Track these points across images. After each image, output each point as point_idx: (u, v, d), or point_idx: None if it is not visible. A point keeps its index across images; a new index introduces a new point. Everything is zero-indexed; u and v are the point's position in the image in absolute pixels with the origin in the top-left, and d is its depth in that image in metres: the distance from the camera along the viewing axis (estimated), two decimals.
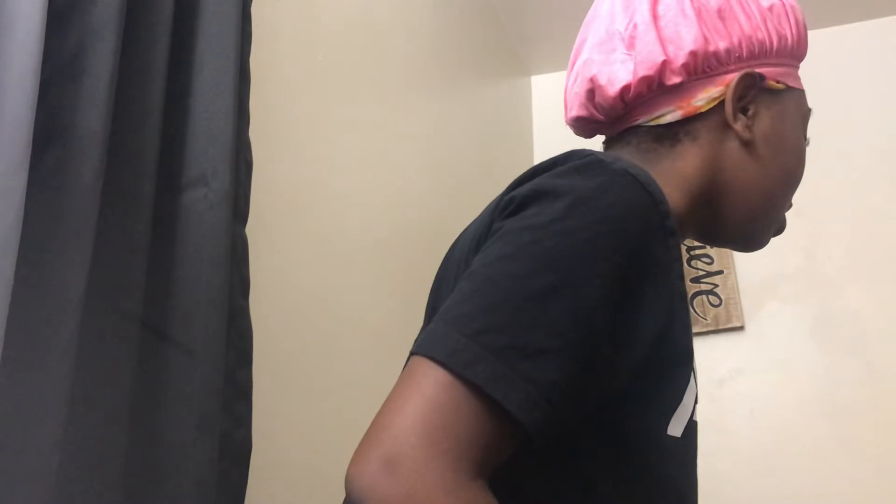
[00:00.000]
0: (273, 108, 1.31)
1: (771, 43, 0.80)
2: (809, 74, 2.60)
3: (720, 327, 2.30)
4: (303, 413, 1.30)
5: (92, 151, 0.81)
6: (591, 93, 0.83)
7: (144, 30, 0.93)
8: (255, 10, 1.15)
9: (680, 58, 0.78)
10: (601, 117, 0.85)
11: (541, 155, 2.53)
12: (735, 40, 0.78)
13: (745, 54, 0.79)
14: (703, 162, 0.79)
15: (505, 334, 0.55)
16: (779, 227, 0.87)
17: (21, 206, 0.75)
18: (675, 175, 0.78)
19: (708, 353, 2.29)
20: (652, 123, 0.80)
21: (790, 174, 0.83)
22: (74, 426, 0.76)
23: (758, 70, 0.79)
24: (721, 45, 0.78)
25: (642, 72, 0.78)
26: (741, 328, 2.30)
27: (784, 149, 0.81)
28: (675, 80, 0.78)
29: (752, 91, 0.79)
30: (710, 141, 0.79)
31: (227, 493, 0.94)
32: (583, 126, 0.89)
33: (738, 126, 0.79)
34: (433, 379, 0.54)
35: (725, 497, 2.13)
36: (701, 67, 0.78)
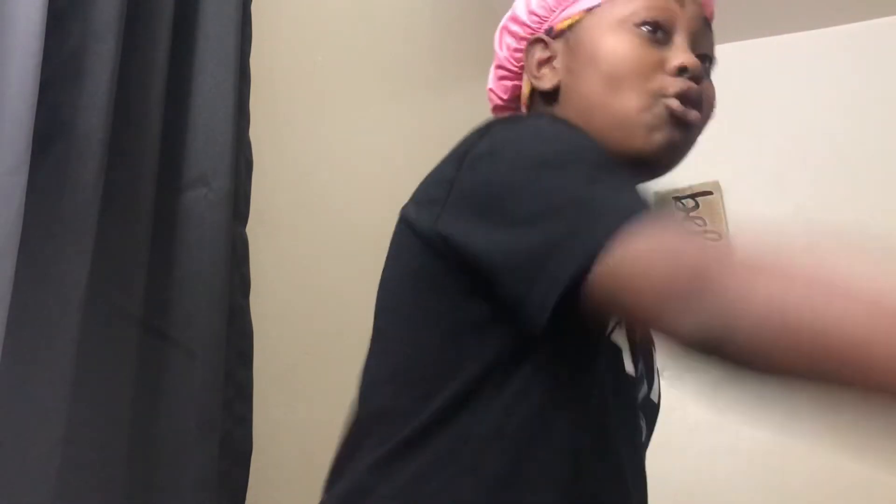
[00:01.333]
0: (273, 108, 1.31)
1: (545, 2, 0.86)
2: (809, 74, 2.59)
3: None
4: (303, 413, 1.30)
5: (92, 151, 0.81)
6: None
7: (144, 30, 0.93)
8: (256, 11, 1.15)
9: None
10: (501, 102, 0.97)
11: None
12: (524, 18, 0.88)
13: (532, 27, 0.87)
14: (565, 110, 0.85)
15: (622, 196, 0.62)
16: (671, 121, 0.80)
17: (21, 206, 0.75)
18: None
19: None
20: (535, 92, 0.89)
21: (608, 75, 0.81)
22: (75, 426, 0.76)
23: (545, 28, 0.86)
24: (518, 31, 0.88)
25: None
26: None
27: (595, 61, 0.82)
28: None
29: (540, 51, 0.86)
30: (546, 105, 0.86)
31: (227, 492, 0.94)
32: (500, 111, 0.97)
33: (545, 83, 0.85)
34: (658, 234, 0.57)
35: (725, 497, 2.13)
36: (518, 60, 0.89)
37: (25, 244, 0.75)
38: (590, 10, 0.84)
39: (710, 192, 2.41)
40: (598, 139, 0.76)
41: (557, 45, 0.85)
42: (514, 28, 0.89)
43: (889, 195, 2.30)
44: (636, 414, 0.76)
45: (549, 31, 0.86)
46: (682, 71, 0.79)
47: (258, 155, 1.12)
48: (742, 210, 2.38)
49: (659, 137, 0.79)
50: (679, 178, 2.75)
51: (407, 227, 0.72)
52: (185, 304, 0.93)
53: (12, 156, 0.75)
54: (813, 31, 2.48)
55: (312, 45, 1.50)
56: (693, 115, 0.80)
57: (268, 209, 1.24)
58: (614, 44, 0.81)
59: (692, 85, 0.79)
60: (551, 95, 0.85)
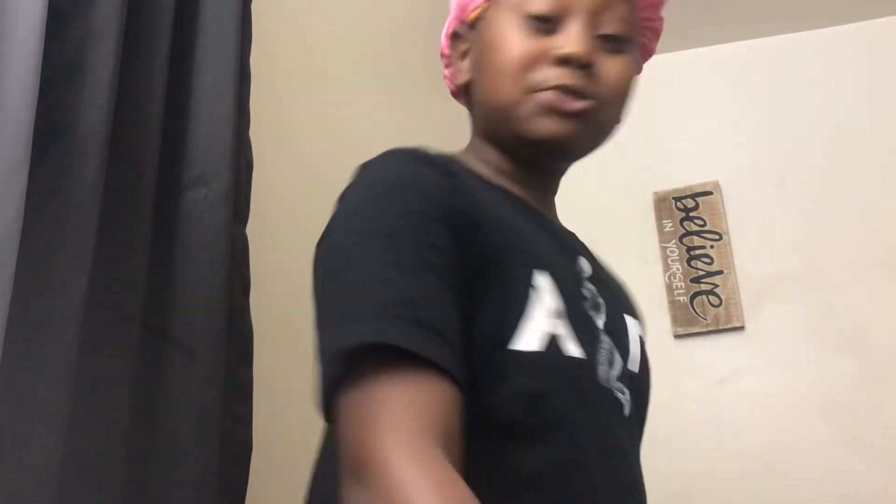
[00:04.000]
0: (273, 108, 1.31)
1: None
2: (810, 74, 2.59)
3: (720, 327, 2.30)
4: (303, 413, 1.30)
5: (92, 151, 0.81)
6: None
7: (145, 30, 0.93)
8: (256, 11, 1.15)
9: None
10: (453, 89, 0.95)
11: None
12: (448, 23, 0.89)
13: (457, 17, 0.87)
14: (474, 116, 0.87)
15: (384, 301, 0.59)
16: (549, 107, 0.78)
17: (21, 206, 0.75)
18: (478, 135, 0.86)
19: (708, 353, 2.29)
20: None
21: (495, 66, 0.81)
22: (75, 426, 0.76)
23: (456, 24, 0.87)
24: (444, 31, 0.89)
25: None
26: (741, 328, 2.30)
27: (488, 54, 0.82)
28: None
29: (460, 45, 0.86)
30: (467, 99, 0.88)
31: (227, 492, 0.94)
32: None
33: (460, 78, 0.86)
34: (361, 382, 0.57)
35: (725, 497, 2.13)
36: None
37: (25, 244, 0.75)
38: (487, 10, 0.83)
39: (710, 192, 2.41)
40: (495, 134, 0.82)
41: (472, 37, 0.85)
42: (449, 18, 0.89)
43: (889, 195, 2.30)
44: (612, 422, 0.74)
45: (466, 22, 0.86)
46: (564, 61, 0.77)
47: (258, 155, 1.12)
48: (742, 210, 2.38)
49: (538, 127, 0.77)
50: (679, 178, 2.76)
51: None
52: (185, 304, 0.93)
53: (12, 156, 0.75)
54: (813, 31, 2.48)
55: (313, 45, 1.50)
56: (575, 105, 0.76)
57: (268, 209, 1.24)
58: (501, 36, 0.80)
59: (571, 76, 0.76)
60: (456, 94, 0.89)
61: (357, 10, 1.65)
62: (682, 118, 2.49)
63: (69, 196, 0.79)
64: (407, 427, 0.54)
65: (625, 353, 0.78)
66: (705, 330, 2.31)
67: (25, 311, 0.74)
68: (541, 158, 0.83)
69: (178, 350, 0.92)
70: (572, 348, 0.70)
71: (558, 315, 0.70)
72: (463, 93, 0.88)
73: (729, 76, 2.50)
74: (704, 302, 2.33)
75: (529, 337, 0.67)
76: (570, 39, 0.77)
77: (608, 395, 0.73)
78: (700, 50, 2.52)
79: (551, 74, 0.77)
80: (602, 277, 0.84)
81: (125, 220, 0.87)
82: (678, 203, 2.42)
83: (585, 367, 0.71)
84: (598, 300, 0.78)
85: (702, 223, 2.40)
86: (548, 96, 0.76)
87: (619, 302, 0.85)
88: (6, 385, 0.72)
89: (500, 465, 0.64)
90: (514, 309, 0.67)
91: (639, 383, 0.80)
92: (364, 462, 0.54)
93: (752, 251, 2.34)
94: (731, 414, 2.23)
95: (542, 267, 0.71)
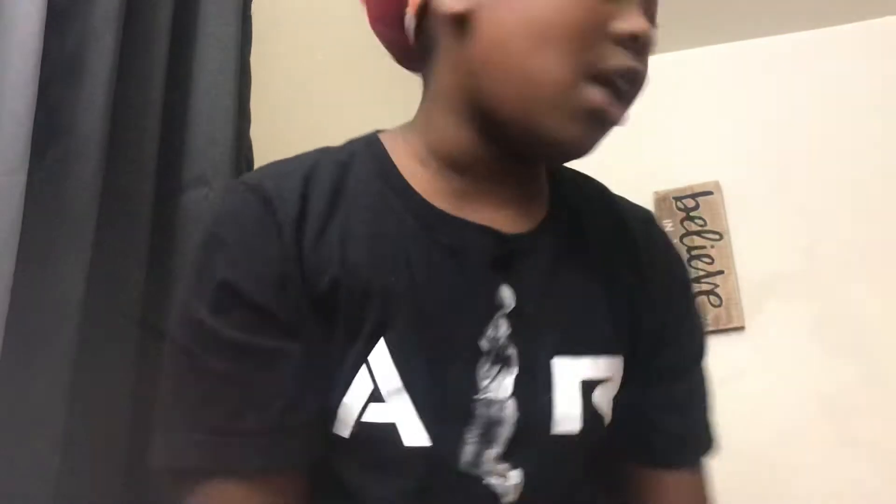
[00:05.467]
0: (274, 107, 1.31)
1: None
2: (810, 74, 2.59)
3: (720, 327, 2.30)
4: None
5: (91, 151, 0.81)
6: None
7: (144, 29, 0.93)
8: (256, 10, 1.15)
9: None
10: (392, 37, 0.73)
11: None
12: None
13: None
14: (449, 66, 0.62)
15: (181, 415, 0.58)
16: (589, 109, 0.58)
17: (21, 206, 0.75)
18: (435, 102, 0.64)
19: (708, 353, 2.29)
20: (414, 43, 0.67)
21: (535, 29, 0.58)
22: (75, 426, 0.76)
23: None
24: None
25: None
26: (741, 328, 2.29)
27: (516, 7, 0.58)
28: None
29: None
30: (445, 37, 0.62)
31: None
32: (392, 54, 0.77)
33: (454, 2, 0.60)
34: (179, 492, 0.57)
35: (725, 497, 2.13)
36: None
37: (25, 244, 0.75)
38: None
39: (710, 192, 2.41)
40: (492, 117, 0.60)
41: None
42: None
43: (890, 195, 2.30)
44: None
45: None
46: (630, 40, 0.58)
47: (258, 154, 1.12)
48: (742, 210, 2.38)
49: (570, 133, 0.59)
50: (679, 177, 2.76)
51: None
52: None
53: (12, 156, 0.75)
54: (813, 31, 2.48)
55: (313, 45, 1.50)
56: (619, 115, 0.60)
57: None
58: None
59: (637, 64, 0.59)
60: (456, 23, 0.60)
61: (358, 10, 1.64)
62: (682, 118, 2.48)
63: (68, 196, 0.79)
64: None
65: (540, 416, 0.60)
66: (705, 330, 2.31)
67: (25, 311, 0.74)
68: (539, 158, 0.66)
69: None
70: (412, 434, 0.57)
71: (398, 393, 0.57)
72: (423, 38, 0.65)
73: (729, 76, 2.49)
74: (705, 302, 2.33)
75: (346, 424, 0.57)
76: (639, 14, 0.59)
77: (472, 485, 0.58)
78: (700, 50, 2.52)
79: (610, 54, 0.58)
80: (532, 310, 0.62)
81: (124, 220, 0.87)
82: (678, 203, 2.42)
83: (428, 456, 0.57)
84: (507, 352, 0.60)
85: (702, 223, 2.40)
86: (598, 97, 0.58)
87: (569, 336, 0.63)
88: (6, 384, 0.72)
89: None
90: (339, 383, 0.57)
91: (567, 447, 0.61)
92: None
93: (752, 251, 2.34)
94: (731, 414, 2.23)
95: (395, 325, 0.57)
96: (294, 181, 0.61)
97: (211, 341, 0.56)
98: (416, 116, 0.68)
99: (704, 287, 2.34)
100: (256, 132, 1.12)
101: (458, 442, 0.58)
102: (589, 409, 0.62)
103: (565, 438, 0.61)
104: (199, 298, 0.57)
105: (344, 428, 0.57)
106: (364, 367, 0.57)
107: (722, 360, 2.28)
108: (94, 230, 0.81)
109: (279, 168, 0.64)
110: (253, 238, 0.57)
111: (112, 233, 0.84)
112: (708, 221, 2.39)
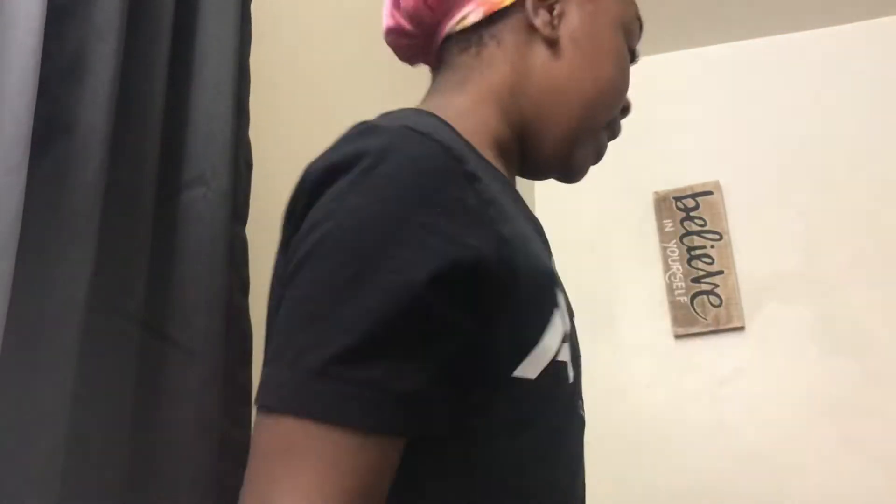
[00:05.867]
0: (273, 107, 1.31)
1: None
2: (810, 74, 2.59)
3: (720, 327, 2.30)
4: None
5: (92, 151, 0.81)
6: None
7: (145, 29, 0.93)
8: (255, 10, 1.15)
9: None
10: (409, 26, 0.77)
11: None
12: None
13: None
14: (510, 67, 0.71)
15: (323, 348, 0.50)
16: (598, 151, 0.78)
17: (21, 206, 0.75)
18: (485, 90, 0.71)
19: (708, 353, 2.29)
20: (458, 28, 0.73)
21: (607, 81, 0.73)
22: (75, 426, 0.76)
23: None
24: None
25: None
26: (741, 328, 2.30)
27: (599, 52, 0.72)
28: None
29: None
30: (515, 43, 0.71)
31: (225, 492, 0.94)
32: (397, 44, 0.82)
33: (539, 22, 0.71)
34: (276, 436, 0.50)
35: (725, 497, 2.13)
36: None
37: (25, 244, 0.75)
38: None
39: (710, 192, 2.41)
40: (530, 122, 0.71)
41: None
42: None
43: (890, 195, 2.30)
44: (579, 419, 0.67)
45: None
46: (626, 110, 0.79)
47: (258, 155, 1.12)
48: (742, 210, 2.38)
49: (583, 163, 0.77)
50: (679, 177, 2.77)
51: None
52: (185, 304, 0.93)
53: (12, 155, 0.75)
54: (812, 32, 2.48)
55: (312, 45, 1.50)
56: (598, 161, 0.79)
57: (267, 210, 1.23)
58: (622, 53, 0.75)
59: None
60: (545, 43, 0.71)
61: (358, 9, 1.64)
62: (682, 118, 2.49)
63: (69, 196, 0.79)
64: (316, 490, 0.48)
65: (579, 360, 0.68)
66: (706, 330, 2.31)
67: (25, 311, 0.74)
68: (543, 171, 0.78)
69: (177, 350, 0.91)
70: (570, 372, 0.63)
71: (568, 337, 0.63)
72: (481, 32, 0.72)
73: (729, 76, 2.50)
74: (705, 302, 2.33)
75: (538, 364, 0.59)
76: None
77: (579, 419, 0.67)
78: (700, 50, 2.52)
79: (617, 119, 0.78)
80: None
81: (125, 220, 0.87)
82: (678, 203, 2.42)
83: (575, 392, 0.65)
84: (569, 302, 0.68)
85: (702, 223, 2.40)
86: (605, 143, 0.77)
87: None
88: (6, 385, 0.72)
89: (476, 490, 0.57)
90: (530, 334, 0.59)
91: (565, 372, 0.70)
92: None
93: (752, 251, 2.34)
94: (731, 414, 2.23)
95: (556, 281, 0.64)
96: (449, 139, 0.60)
97: (419, 315, 0.51)
98: (458, 106, 0.70)
99: (705, 287, 2.34)
100: (255, 132, 1.12)
101: (576, 379, 0.64)
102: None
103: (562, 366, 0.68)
104: (412, 259, 0.52)
105: (534, 369, 0.58)
106: (556, 310, 0.61)
107: (722, 360, 2.29)
108: (96, 230, 0.81)
109: (431, 122, 0.62)
110: (447, 191, 0.55)
111: (113, 232, 0.84)
112: (708, 221, 2.39)
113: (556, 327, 0.60)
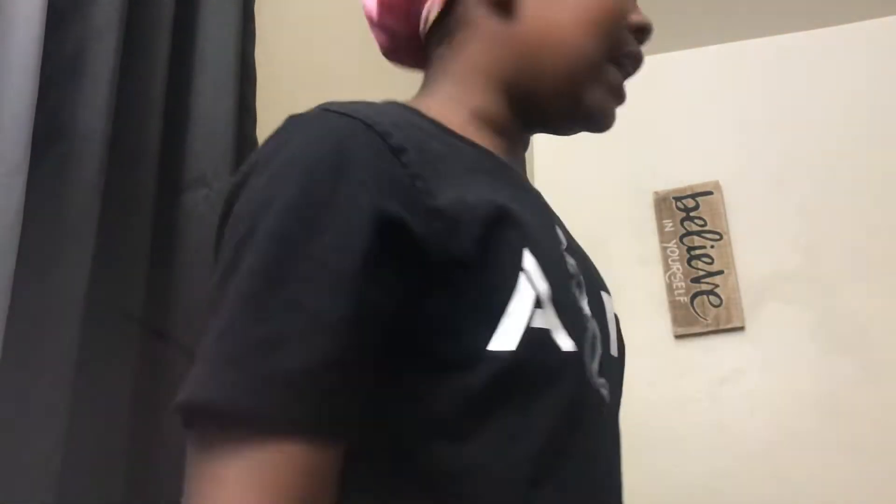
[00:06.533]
0: (277, 106, 1.31)
1: None
2: (810, 74, 2.59)
3: (720, 327, 2.30)
4: None
5: (92, 151, 0.81)
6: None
7: (145, 29, 0.93)
8: (260, 9, 1.15)
9: None
10: (391, 44, 0.78)
11: (541, 151, 2.53)
12: None
13: None
14: (483, 45, 0.70)
15: (236, 343, 0.48)
16: (612, 88, 0.71)
17: (21, 206, 0.75)
18: (462, 72, 0.70)
19: (708, 353, 2.29)
20: (429, 27, 0.73)
21: (585, 10, 0.69)
22: (75, 426, 0.76)
23: None
24: None
25: None
26: (741, 328, 2.30)
27: None
28: None
29: None
30: (476, 18, 0.70)
31: None
32: (400, 60, 0.82)
33: None
34: (198, 447, 0.47)
35: (725, 497, 2.13)
36: None
37: (25, 244, 0.75)
38: None
39: (710, 192, 2.41)
40: (529, 90, 0.69)
41: None
42: None
43: (890, 195, 2.30)
44: (601, 418, 0.64)
45: None
46: (641, 31, 0.71)
47: None
48: (742, 210, 2.38)
49: (607, 104, 0.71)
50: (679, 177, 2.77)
51: None
52: (185, 304, 0.93)
53: (12, 156, 0.75)
54: (813, 31, 2.48)
55: (318, 43, 1.50)
56: (622, 101, 0.72)
57: None
58: None
59: (641, 51, 0.71)
60: (499, 6, 0.69)
61: (362, 8, 1.64)
62: (682, 118, 2.49)
63: (69, 196, 0.79)
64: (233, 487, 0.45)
65: (606, 337, 0.66)
66: (706, 330, 2.31)
67: (25, 311, 0.74)
68: (568, 127, 0.74)
69: (178, 350, 0.91)
70: (563, 340, 0.58)
71: (548, 302, 0.58)
72: (448, 21, 0.71)
73: (729, 76, 2.50)
74: (705, 302, 2.33)
75: (512, 333, 0.55)
76: (638, 9, 0.71)
77: (594, 394, 0.62)
78: (700, 50, 2.52)
79: (629, 40, 0.70)
80: (574, 247, 0.70)
81: (125, 221, 0.87)
82: (678, 203, 2.42)
83: (576, 363, 0.60)
84: (580, 277, 0.65)
85: (702, 223, 2.40)
86: (617, 77, 0.70)
87: (593, 276, 0.71)
88: (6, 385, 0.72)
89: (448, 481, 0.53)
90: (498, 300, 0.56)
91: (618, 369, 0.70)
92: None
93: (752, 251, 2.34)
94: (731, 414, 2.23)
95: (529, 243, 0.59)
96: (377, 115, 0.57)
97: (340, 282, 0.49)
98: (437, 85, 0.71)
99: (705, 287, 2.34)
100: (261, 131, 1.12)
101: (584, 352, 0.60)
102: (620, 340, 0.71)
103: (613, 360, 0.67)
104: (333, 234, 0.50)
105: (510, 339, 0.55)
106: (522, 274, 0.57)
107: (722, 360, 2.29)
108: (96, 230, 0.81)
109: (352, 104, 0.59)
110: (379, 162, 0.53)
111: (113, 233, 0.84)
112: (708, 221, 2.39)
113: (526, 293, 0.56)
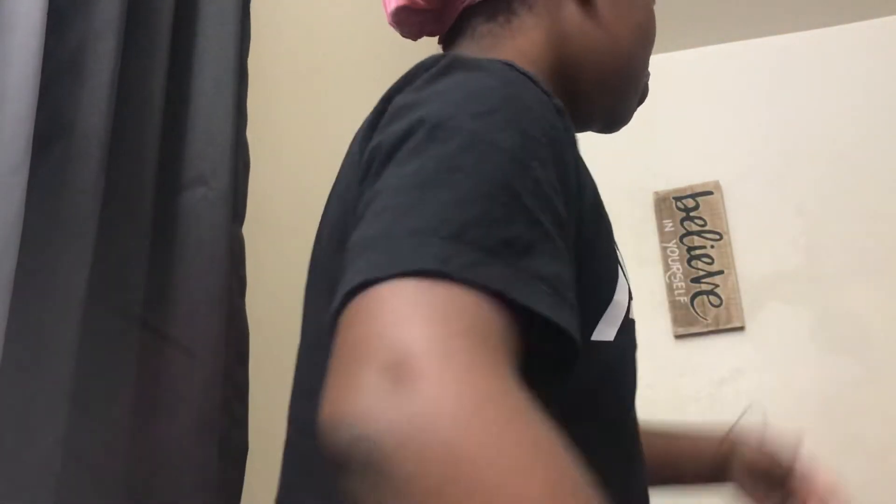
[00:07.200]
0: (271, 107, 1.31)
1: None
2: (810, 74, 2.59)
3: (720, 327, 2.30)
4: None
5: (92, 151, 0.81)
6: None
7: (145, 30, 0.93)
8: (255, 10, 1.15)
9: None
10: (423, 3, 0.73)
11: None
12: None
13: None
14: (545, 33, 0.69)
15: (492, 229, 0.41)
16: (642, 95, 0.78)
17: (21, 206, 0.75)
18: (519, 58, 0.66)
19: (708, 353, 2.29)
20: (481, 3, 0.70)
21: (642, 31, 0.73)
22: (75, 426, 0.76)
23: None
24: None
25: None
26: (741, 328, 2.30)
27: (631, 4, 0.72)
28: None
29: None
30: (546, 7, 0.69)
31: (224, 492, 0.94)
32: (407, 20, 0.79)
33: None
34: (427, 296, 0.38)
35: (725, 497, 2.13)
36: None
37: (25, 244, 0.75)
38: None
39: (710, 192, 2.41)
40: (572, 85, 0.68)
41: None
42: None
43: (890, 195, 2.30)
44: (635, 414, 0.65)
45: None
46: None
47: (257, 155, 1.12)
48: (742, 210, 2.38)
49: (633, 112, 0.77)
50: (679, 177, 2.77)
51: None
52: (185, 304, 0.93)
53: (12, 156, 0.75)
54: (813, 31, 2.48)
55: (311, 45, 1.50)
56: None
57: (264, 210, 1.24)
58: (650, 10, 0.76)
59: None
60: (578, 2, 0.69)
61: (358, 9, 1.64)
62: (682, 118, 2.49)
63: (69, 196, 0.79)
64: (479, 338, 0.37)
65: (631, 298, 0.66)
66: (705, 330, 2.31)
67: (25, 311, 0.74)
68: (591, 124, 0.76)
69: (177, 350, 0.92)
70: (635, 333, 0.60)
71: (630, 294, 0.59)
72: None
73: (729, 76, 2.50)
74: (705, 302, 2.33)
75: (613, 323, 0.54)
76: None
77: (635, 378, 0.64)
78: (700, 50, 2.52)
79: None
80: None
81: (125, 220, 0.87)
82: (678, 203, 2.42)
83: (635, 352, 0.62)
84: (623, 261, 0.64)
85: (702, 223, 2.40)
86: (647, 86, 0.78)
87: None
88: (6, 385, 0.72)
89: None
90: (607, 289, 0.54)
91: (634, 333, 0.67)
92: (413, 355, 0.35)
93: (752, 251, 2.34)
94: (731, 414, 2.23)
95: (613, 237, 0.60)
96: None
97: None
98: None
99: (705, 287, 2.34)
100: (253, 132, 1.12)
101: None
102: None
103: (632, 323, 0.66)
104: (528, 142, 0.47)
105: (611, 328, 0.54)
106: (619, 267, 0.59)
107: (722, 360, 2.29)
108: (96, 230, 0.81)
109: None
110: (550, 117, 0.51)
111: (113, 232, 0.84)
112: (708, 221, 2.39)
113: (623, 283, 0.57)
